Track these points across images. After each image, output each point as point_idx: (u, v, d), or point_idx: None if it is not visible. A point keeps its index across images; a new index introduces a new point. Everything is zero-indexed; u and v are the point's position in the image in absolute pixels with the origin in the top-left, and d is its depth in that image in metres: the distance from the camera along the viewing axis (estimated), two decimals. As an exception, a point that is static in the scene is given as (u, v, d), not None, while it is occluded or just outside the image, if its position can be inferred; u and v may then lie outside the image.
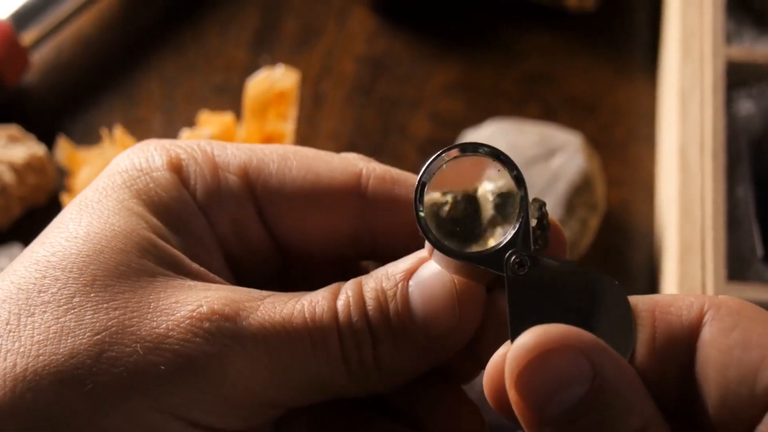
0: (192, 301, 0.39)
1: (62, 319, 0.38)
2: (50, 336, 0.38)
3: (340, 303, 0.40)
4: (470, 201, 0.40)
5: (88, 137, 0.78)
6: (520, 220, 0.39)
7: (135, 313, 0.38)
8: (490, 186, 0.40)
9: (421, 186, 0.40)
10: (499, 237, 0.39)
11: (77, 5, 0.79)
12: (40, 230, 0.41)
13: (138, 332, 0.38)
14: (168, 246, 0.41)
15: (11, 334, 0.38)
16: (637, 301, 0.39)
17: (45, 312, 0.38)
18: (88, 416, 0.37)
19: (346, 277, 0.44)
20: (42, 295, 0.39)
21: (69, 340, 0.38)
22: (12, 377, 0.37)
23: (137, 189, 0.42)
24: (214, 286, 0.40)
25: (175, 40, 0.83)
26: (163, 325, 0.38)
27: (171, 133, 0.79)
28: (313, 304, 0.40)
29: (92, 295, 0.38)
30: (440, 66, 0.82)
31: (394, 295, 0.40)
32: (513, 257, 0.39)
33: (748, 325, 0.37)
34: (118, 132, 0.71)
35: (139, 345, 0.38)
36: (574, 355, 0.36)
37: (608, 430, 0.35)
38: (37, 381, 0.37)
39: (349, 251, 0.45)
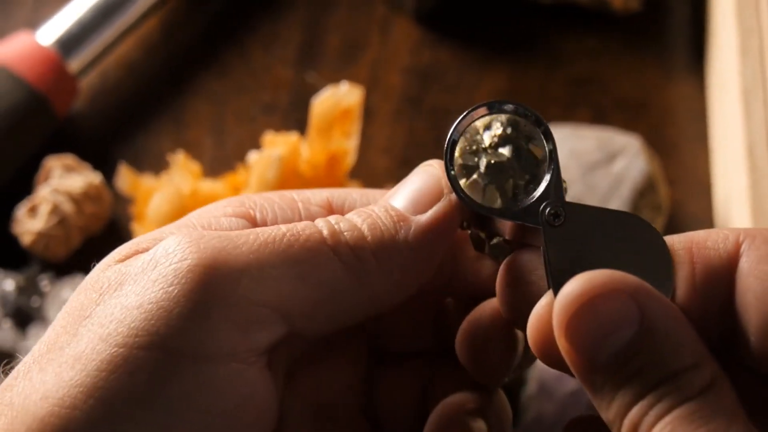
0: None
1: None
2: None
3: (321, 222, 0.41)
4: (491, 158, 0.41)
5: (139, 163, 0.77)
6: (551, 171, 0.40)
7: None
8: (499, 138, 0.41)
9: (451, 144, 0.40)
10: (527, 189, 0.40)
11: (121, 30, 0.79)
12: (98, 259, 0.41)
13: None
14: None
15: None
16: (673, 240, 0.39)
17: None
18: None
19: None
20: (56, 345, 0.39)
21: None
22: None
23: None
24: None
25: (219, 60, 0.82)
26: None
27: (223, 154, 0.78)
28: (292, 226, 0.40)
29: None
30: (487, 74, 0.82)
31: (375, 205, 0.42)
32: (548, 209, 0.39)
33: None
34: (181, 157, 0.71)
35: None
36: (620, 298, 0.36)
37: (659, 369, 0.36)
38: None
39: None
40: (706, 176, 0.78)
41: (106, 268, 0.40)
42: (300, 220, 0.43)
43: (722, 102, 0.76)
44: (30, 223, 0.72)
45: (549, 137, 0.40)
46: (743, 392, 0.37)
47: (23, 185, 0.75)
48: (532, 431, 0.67)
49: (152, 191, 0.68)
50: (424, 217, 0.41)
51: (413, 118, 0.80)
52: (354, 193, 0.45)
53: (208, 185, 0.68)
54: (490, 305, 0.45)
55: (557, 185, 0.40)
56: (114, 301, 0.38)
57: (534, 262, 0.41)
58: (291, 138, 0.68)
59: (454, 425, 0.45)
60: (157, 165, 0.77)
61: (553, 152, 0.40)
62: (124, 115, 0.80)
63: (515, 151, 0.41)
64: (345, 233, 0.40)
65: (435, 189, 0.42)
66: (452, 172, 0.40)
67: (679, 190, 0.77)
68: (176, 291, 0.38)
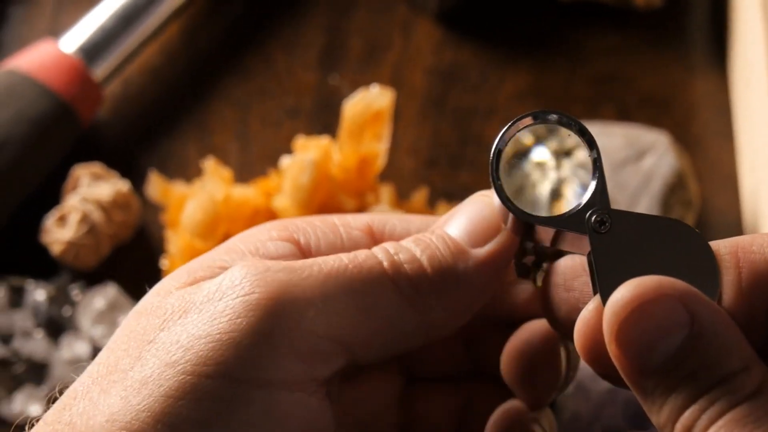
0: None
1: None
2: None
3: (378, 250, 0.41)
4: (535, 168, 0.42)
5: (165, 169, 0.77)
6: (596, 179, 0.40)
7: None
8: (546, 150, 0.42)
9: (497, 155, 0.41)
10: (571, 199, 0.41)
11: (144, 37, 0.78)
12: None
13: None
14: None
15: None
16: (719, 245, 0.40)
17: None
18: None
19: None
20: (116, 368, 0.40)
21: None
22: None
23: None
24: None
25: (242, 65, 0.82)
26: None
27: (249, 159, 0.78)
28: (352, 255, 0.41)
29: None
30: (510, 73, 0.82)
31: (431, 233, 0.43)
32: (594, 216, 0.40)
33: None
34: (211, 164, 0.70)
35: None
36: (670, 303, 0.36)
37: (710, 372, 0.36)
38: None
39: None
40: (732, 171, 0.78)
41: (166, 294, 0.41)
42: (343, 244, 0.44)
43: (747, 96, 0.76)
44: (59, 232, 0.72)
45: (593, 145, 0.41)
46: None
47: (50, 195, 0.74)
48: (569, 429, 0.67)
49: (184, 198, 0.68)
50: (483, 251, 0.42)
51: (438, 119, 0.80)
52: (394, 218, 0.46)
53: (240, 191, 0.68)
54: (533, 327, 0.46)
55: (602, 192, 0.40)
56: (179, 328, 0.39)
57: (577, 269, 0.42)
58: (322, 142, 0.68)
59: (517, 427, 0.45)
60: (183, 171, 0.77)
61: (598, 160, 0.41)
62: (148, 121, 0.80)
63: (559, 160, 0.41)
64: (405, 265, 0.41)
65: (492, 221, 0.43)
66: (498, 182, 0.41)
67: (706, 185, 0.77)
68: (244, 323, 0.38)
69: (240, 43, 0.83)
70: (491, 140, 0.78)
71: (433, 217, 0.45)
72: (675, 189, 0.72)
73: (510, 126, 0.41)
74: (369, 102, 0.66)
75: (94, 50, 0.77)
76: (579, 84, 0.82)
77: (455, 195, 0.76)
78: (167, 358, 0.38)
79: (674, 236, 0.40)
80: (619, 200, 0.71)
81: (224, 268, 0.41)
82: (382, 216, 0.45)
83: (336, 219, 0.45)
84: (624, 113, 0.80)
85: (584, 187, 0.41)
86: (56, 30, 0.82)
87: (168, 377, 0.38)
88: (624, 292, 0.37)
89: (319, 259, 0.41)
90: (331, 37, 0.83)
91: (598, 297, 0.39)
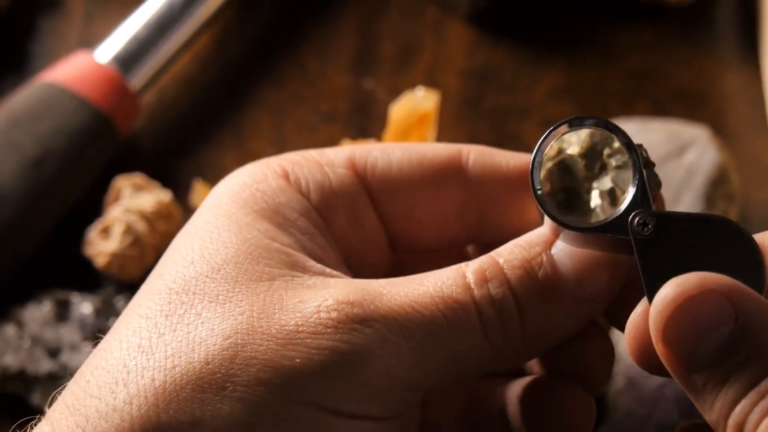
0: (316, 297, 0.39)
1: (192, 333, 0.39)
2: (183, 348, 0.38)
3: (472, 278, 0.40)
4: (569, 172, 0.42)
5: (204, 177, 0.76)
6: (637, 181, 0.40)
7: (263, 315, 0.39)
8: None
9: (537, 165, 0.41)
10: (613, 204, 0.41)
11: (178, 46, 0.78)
12: None
13: (268, 331, 0.38)
14: (282, 247, 0.41)
15: (144, 353, 0.39)
16: (764, 238, 0.40)
17: (174, 331, 0.39)
18: (233, 416, 0.37)
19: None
20: (170, 317, 0.39)
21: (202, 348, 0.38)
22: (153, 392, 0.38)
23: (243, 201, 0.43)
24: (332, 281, 0.41)
25: (275, 71, 0.82)
26: (292, 322, 0.38)
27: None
28: (440, 283, 0.40)
29: (217, 307, 0.39)
30: (544, 72, 0.82)
31: (541, 262, 0.41)
32: (636, 219, 0.40)
33: None
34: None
35: (272, 342, 0.38)
36: (714, 298, 0.37)
37: (759, 365, 0.36)
38: (178, 391, 0.38)
39: (458, 232, 0.46)
40: (771, 163, 0.78)
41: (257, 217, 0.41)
42: (330, 183, 0.44)
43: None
44: (103, 244, 0.71)
45: (632, 148, 0.41)
46: None
47: (92, 207, 0.74)
48: (624, 427, 0.67)
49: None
50: (587, 304, 0.41)
51: (474, 120, 0.80)
52: (375, 150, 0.45)
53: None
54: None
55: (644, 195, 0.40)
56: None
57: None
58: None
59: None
60: (221, 178, 0.77)
61: (637, 162, 0.41)
62: (184, 130, 0.80)
63: (599, 165, 0.41)
64: (498, 304, 0.40)
65: (601, 263, 0.42)
66: (539, 191, 0.41)
67: (744, 178, 0.77)
68: (325, 355, 0.38)
69: (272, 50, 0.83)
70: (529, 140, 0.79)
71: (417, 146, 0.45)
72: (718, 183, 0.72)
73: (547, 135, 0.41)
74: (415, 104, 0.66)
75: (129, 61, 0.76)
76: (613, 80, 0.82)
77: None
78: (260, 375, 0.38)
79: (717, 233, 0.40)
80: (662, 196, 0.71)
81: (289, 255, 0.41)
82: (363, 148, 0.45)
83: (317, 155, 0.44)
84: (659, 108, 0.80)
85: (625, 191, 0.41)
86: (87, 41, 0.81)
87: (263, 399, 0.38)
88: (668, 291, 0.37)
89: (405, 290, 0.40)
90: (363, 40, 0.83)
91: (645, 299, 0.39)
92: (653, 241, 0.40)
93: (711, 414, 0.37)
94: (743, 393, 0.36)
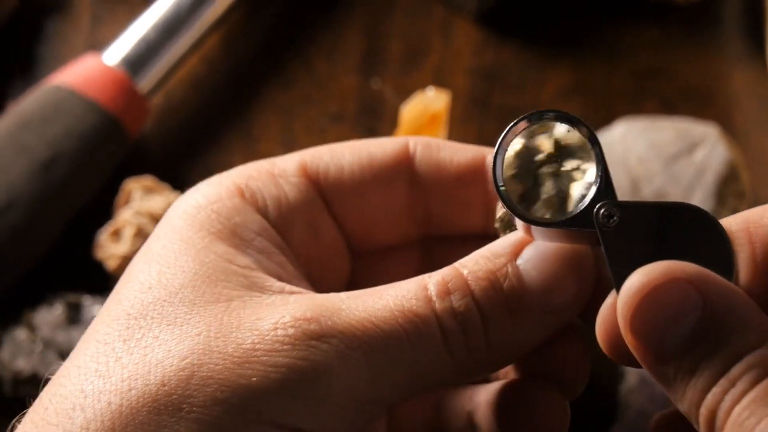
0: (273, 314, 0.39)
1: (149, 356, 0.38)
2: (139, 371, 0.38)
3: (433, 290, 0.40)
4: (539, 169, 0.41)
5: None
6: (600, 173, 0.40)
7: (219, 334, 0.38)
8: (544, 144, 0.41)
9: (498, 162, 0.40)
10: (577, 197, 0.40)
11: (186, 48, 0.78)
12: None
13: (225, 350, 0.38)
14: (240, 269, 0.41)
15: (101, 378, 0.38)
16: (730, 222, 0.39)
17: (131, 354, 0.39)
18: None
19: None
20: (127, 342, 0.39)
21: (158, 370, 0.38)
22: (109, 416, 0.37)
23: (200, 223, 0.42)
24: (292, 298, 0.40)
25: (283, 72, 0.82)
26: (249, 341, 0.38)
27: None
28: (400, 296, 0.39)
29: (174, 330, 0.39)
30: (551, 71, 0.82)
31: (506, 273, 0.40)
32: (602, 210, 0.39)
33: None
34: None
35: (228, 361, 0.38)
36: (680, 286, 0.36)
37: (728, 352, 0.35)
38: (134, 414, 0.37)
39: (410, 228, 0.46)
40: (779, 161, 0.78)
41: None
42: (286, 196, 0.43)
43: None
44: (114, 247, 0.71)
45: (594, 140, 0.41)
46: None
47: (102, 210, 0.74)
48: (637, 426, 0.67)
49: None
50: (562, 308, 0.41)
51: (482, 119, 0.80)
52: (324, 154, 0.45)
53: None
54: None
55: (608, 186, 0.40)
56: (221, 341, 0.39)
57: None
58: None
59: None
60: (230, 181, 0.77)
61: (600, 154, 0.40)
62: (192, 132, 0.80)
63: (562, 159, 0.41)
64: (461, 316, 0.39)
65: (568, 271, 0.41)
66: (502, 188, 0.40)
67: (753, 175, 0.77)
68: (282, 373, 0.38)
69: (280, 51, 0.83)
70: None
71: (365, 145, 0.44)
72: (728, 180, 0.72)
73: (507, 132, 0.41)
74: (426, 104, 0.66)
75: (138, 63, 0.76)
76: (621, 79, 0.82)
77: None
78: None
79: (685, 221, 0.39)
80: (673, 194, 0.71)
81: (249, 277, 0.41)
82: (313, 153, 0.45)
83: (270, 167, 0.44)
84: (668, 107, 0.80)
85: (589, 183, 0.40)
86: (94, 44, 0.81)
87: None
88: (634, 281, 0.37)
89: (364, 307, 0.39)
90: (371, 41, 0.83)
91: (614, 292, 0.39)
92: (619, 232, 0.39)
93: (683, 404, 0.36)
94: (714, 381, 0.35)
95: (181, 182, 0.76)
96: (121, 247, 0.71)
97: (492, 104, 0.81)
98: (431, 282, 0.40)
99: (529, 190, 0.40)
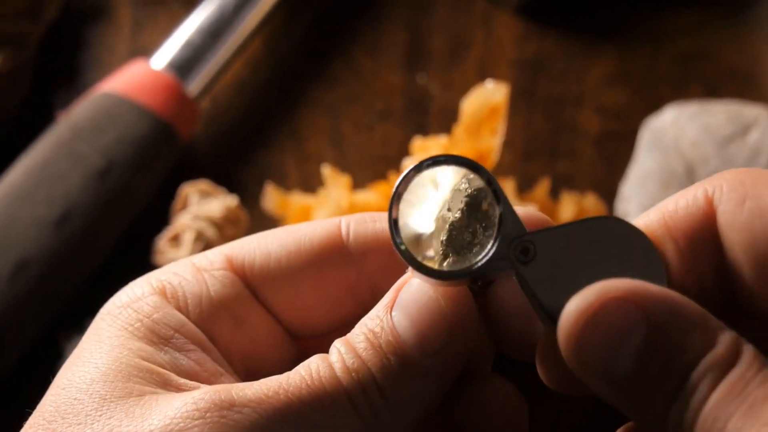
0: (183, 401, 0.39)
1: None
2: None
3: (334, 358, 0.39)
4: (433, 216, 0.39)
5: (264, 180, 0.76)
6: (502, 208, 0.38)
7: (131, 426, 0.38)
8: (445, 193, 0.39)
9: (394, 220, 0.38)
10: (484, 240, 0.38)
11: (232, 51, 0.78)
12: None
13: None
14: (154, 366, 0.41)
15: None
16: (650, 220, 0.38)
17: None
18: None
19: None
20: None
21: None
22: None
23: (120, 322, 0.42)
24: (205, 388, 0.40)
25: (327, 71, 0.82)
26: (161, 424, 0.38)
27: (345, 163, 0.78)
28: (309, 368, 0.39)
29: (85, 429, 0.39)
30: (595, 59, 0.82)
31: (381, 328, 0.39)
32: (515, 246, 0.38)
33: (756, 192, 0.37)
34: (327, 170, 0.70)
35: None
36: (619, 305, 0.35)
37: (679, 357, 0.34)
38: None
39: (354, 309, 0.44)
40: (826, 139, 0.78)
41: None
42: (208, 292, 0.43)
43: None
44: (174, 252, 0.71)
45: (484, 174, 0.38)
46: (754, 341, 0.35)
47: (158, 215, 0.74)
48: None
49: (306, 209, 0.68)
50: (437, 363, 0.39)
51: (529, 110, 0.80)
52: (251, 244, 0.43)
53: (362, 196, 0.68)
54: None
55: (513, 220, 0.38)
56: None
57: (512, 291, 0.39)
58: (440, 140, 0.68)
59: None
60: (282, 180, 0.77)
61: (498, 190, 0.38)
62: (242, 135, 0.80)
63: (455, 203, 0.39)
64: (359, 379, 0.39)
65: (438, 312, 0.39)
66: (403, 247, 0.38)
67: (800, 155, 0.78)
68: None
69: (324, 50, 0.83)
70: (586, 126, 0.79)
71: (294, 232, 0.43)
72: (783, 161, 0.72)
73: (398, 187, 0.38)
74: (486, 98, 0.66)
75: (185, 67, 0.76)
76: (664, 65, 0.82)
77: (554, 186, 0.77)
78: None
79: (604, 234, 0.38)
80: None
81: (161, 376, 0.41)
82: (239, 245, 0.43)
83: (197, 262, 0.43)
84: (712, 90, 0.81)
85: (493, 225, 0.38)
86: (136, 50, 0.81)
87: None
88: (570, 310, 0.35)
89: (281, 376, 0.39)
90: (413, 36, 0.83)
91: (547, 329, 0.37)
92: (540, 264, 0.37)
93: (645, 422, 0.35)
94: (674, 396, 0.34)
95: (234, 185, 0.76)
96: (181, 252, 0.71)
97: (537, 95, 0.81)
98: (332, 350, 0.40)
99: (432, 242, 0.39)
